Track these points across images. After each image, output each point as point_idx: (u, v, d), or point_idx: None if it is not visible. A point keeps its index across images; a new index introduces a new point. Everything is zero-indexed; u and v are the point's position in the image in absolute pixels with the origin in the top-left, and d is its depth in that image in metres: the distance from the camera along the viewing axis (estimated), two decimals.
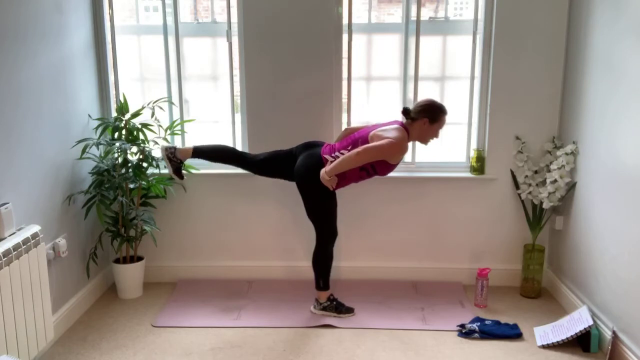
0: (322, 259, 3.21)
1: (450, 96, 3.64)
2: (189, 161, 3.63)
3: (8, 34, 2.56)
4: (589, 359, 2.80)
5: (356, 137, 3.04)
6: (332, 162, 2.98)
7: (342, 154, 2.99)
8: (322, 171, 2.97)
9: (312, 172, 3.03)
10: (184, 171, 3.31)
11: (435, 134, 3.07)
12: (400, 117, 3.12)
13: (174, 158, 3.21)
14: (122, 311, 3.34)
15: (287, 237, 3.70)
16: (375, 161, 2.95)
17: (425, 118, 3.00)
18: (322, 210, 3.13)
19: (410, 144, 3.59)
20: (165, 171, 3.51)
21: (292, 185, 3.53)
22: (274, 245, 3.74)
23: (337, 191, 3.11)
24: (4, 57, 2.53)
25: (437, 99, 3.17)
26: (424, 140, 3.10)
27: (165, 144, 3.29)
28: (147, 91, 3.72)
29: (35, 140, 2.80)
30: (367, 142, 2.97)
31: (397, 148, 2.93)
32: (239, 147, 3.67)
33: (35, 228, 2.60)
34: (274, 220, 3.70)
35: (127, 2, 3.63)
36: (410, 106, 3.15)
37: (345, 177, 3.02)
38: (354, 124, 3.59)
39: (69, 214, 3.17)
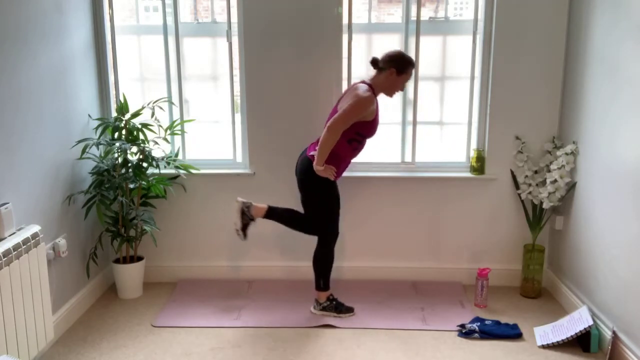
0: (323, 259, 3.20)
1: (450, 96, 3.64)
2: (189, 161, 3.64)
3: (8, 35, 2.56)
4: (589, 359, 2.80)
5: (328, 119, 3.01)
6: None
7: None
8: (314, 166, 2.97)
9: (308, 172, 3.03)
10: (246, 231, 3.20)
11: (401, 87, 3.04)
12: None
13: (248, 213, 3.16)
14: (122, 311, 3.34)
15: (287, 237, 3.70)
16: (355, 126, 2.92)
17: (393, 68, 2.97)
18: (325, 210, 3.13)
19: (409, 145, 3.63)
20: (165, 171, 3.51)
21: (292, 185, 3.54)
22: (274, 245, 3.74)
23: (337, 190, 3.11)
24: (4, 58, 2.53)
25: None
26: (390, 92, 3.05)
27: (242, 198, 3.20)
28: (147, 91, 3.72)
29: (36, 141, 2.80)
30: None
31: (363, 102, 2.88)
32: (239, 147, 3.68)
33: (35, 228, 2.60)
34: None
35: (127, 2, 3.63)
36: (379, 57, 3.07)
37: (340, 157, 3.01)
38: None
39: (69, 214, 3.17)
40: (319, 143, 2.93)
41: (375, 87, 3.01)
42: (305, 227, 3.21)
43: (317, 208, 3.13)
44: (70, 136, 3.17)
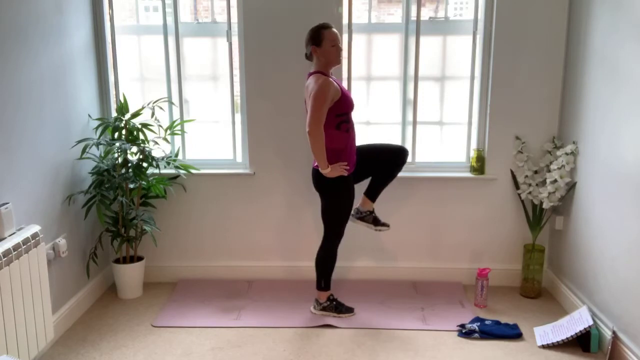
0: (326, 259, 3.20)
1: (450, 96, 3.64)
2: (189, 161, 3.64)
3: (9, 35, 2.56)
4: (589, 359, 2.80)
5: None
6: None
7: None
8: (322, 172, 2.97)
9: (321, 181, 3.04)
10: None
11: (334, 49, 2.99)
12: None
13: (361, 213, 3.24)
14: (122, 311, 3.34)
15: (287, 237, 3.70)
16: (331, 111, 2.93)
17: (313, 46, 2.99)
18: (338, 211, 3.11)
19: (409, 145, 3.63)
20: (165, 171, 3.52)
21: (292, 185, 3.54)
22: (274, 245, 3.74)
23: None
24: (4, 58, 2.53)
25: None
26: (333, 62, 3.01)
27: (357, 220, 3.26)
28: (147, 91, 3.72)
29: (36, 140, 2.80)
30: None
31: (321, 90, 2.89)
32: (239, 147, 3.68)
33: (35, 228, 2.60)
34: (274, 220, 3.70)
35: (127, 2, 3.63)
36: None
37: (339, 149, 3.00)
38: (354, 124, 3.58)
39: (69, 214, 3.17)
40: (311, 146, 2.92)
41: (321, 69, 3.01)
42: (395, 168, 3.20)
43: (331, 210, 3.11)
44: (70, 136, 3.17)
